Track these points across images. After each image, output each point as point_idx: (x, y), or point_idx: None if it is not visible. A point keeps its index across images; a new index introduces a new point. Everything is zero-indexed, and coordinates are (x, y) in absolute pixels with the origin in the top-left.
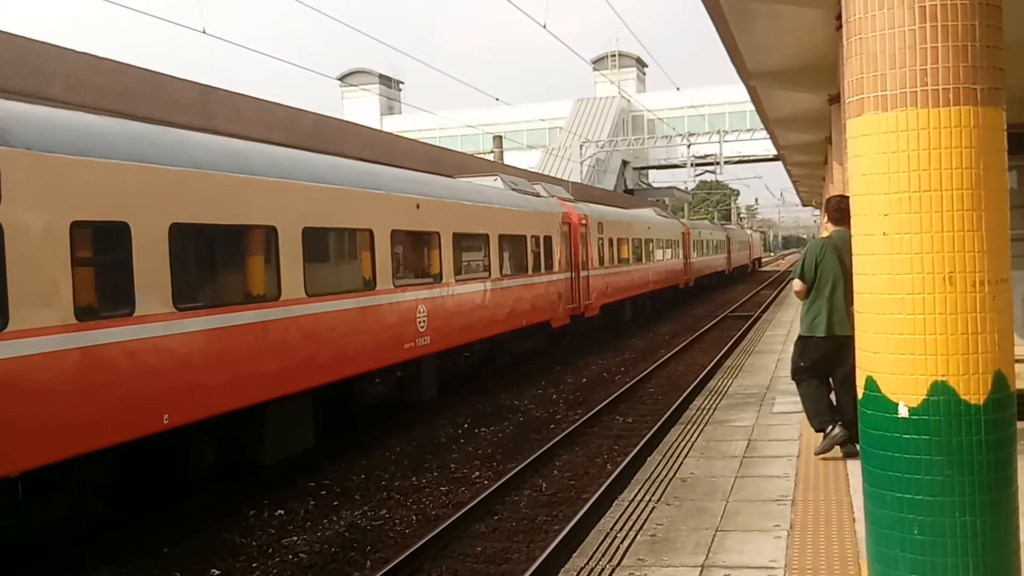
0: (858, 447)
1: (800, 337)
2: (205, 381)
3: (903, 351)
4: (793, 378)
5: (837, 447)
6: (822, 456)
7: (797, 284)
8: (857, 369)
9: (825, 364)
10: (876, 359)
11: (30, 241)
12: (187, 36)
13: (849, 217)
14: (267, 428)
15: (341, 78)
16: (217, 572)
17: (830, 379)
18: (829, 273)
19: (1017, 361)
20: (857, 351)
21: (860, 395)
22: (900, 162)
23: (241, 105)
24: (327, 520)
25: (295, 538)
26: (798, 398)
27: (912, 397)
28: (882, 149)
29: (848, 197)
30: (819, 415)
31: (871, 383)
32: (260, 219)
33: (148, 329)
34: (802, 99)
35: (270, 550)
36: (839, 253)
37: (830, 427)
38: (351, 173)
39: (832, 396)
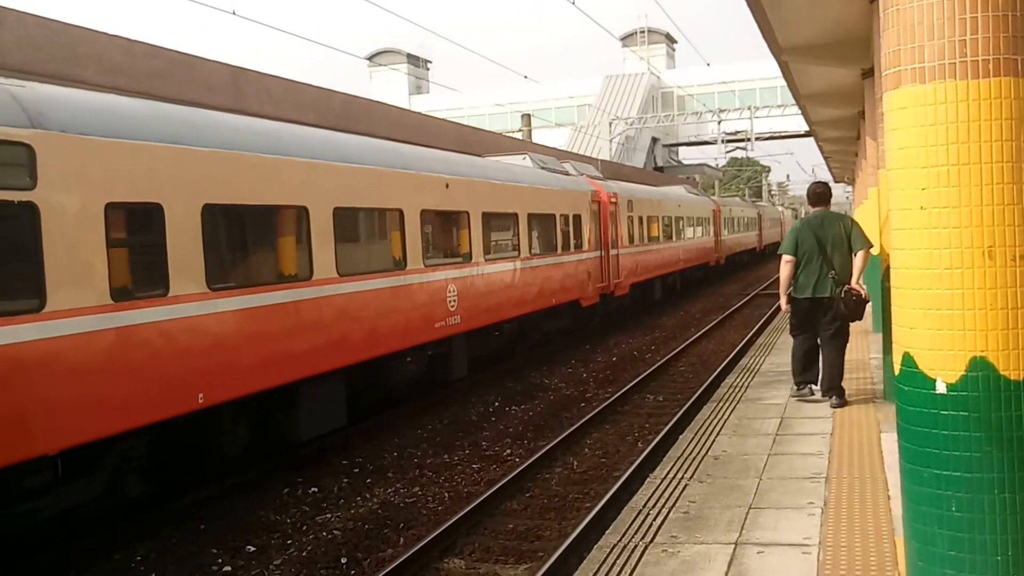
0: (835, 400)
1: (792, 299)
2: (238, 360)
3: (941, 327)
4: (791, 334)
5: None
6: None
7: (784, 260)
8: (894, 345)
9: (810, 321)
10: (913, 335)
11: (66, 223)
12: (217, 17)
13: (826, 200)
14: (300, 407)
15: (369, 58)
16: (252, 548)
17: (818, 339)
18: (806, 248)
19: None
20: (894, 327)
21: (897, 371)
22: (938, 135)
23: (271, 86)
24: (360, 497)
25: (329, 515)
26: (823, 400)
27: (950, 373)
28: (920, 122)
29: (825, 183)
30: (796, 373)
31: (908, 359)
32: (291, 199)
33: (182, 309)
34: (834, 74)
35: (304, 527)
36: (813, 230)
37: (803, 386)
38: (381, 153)
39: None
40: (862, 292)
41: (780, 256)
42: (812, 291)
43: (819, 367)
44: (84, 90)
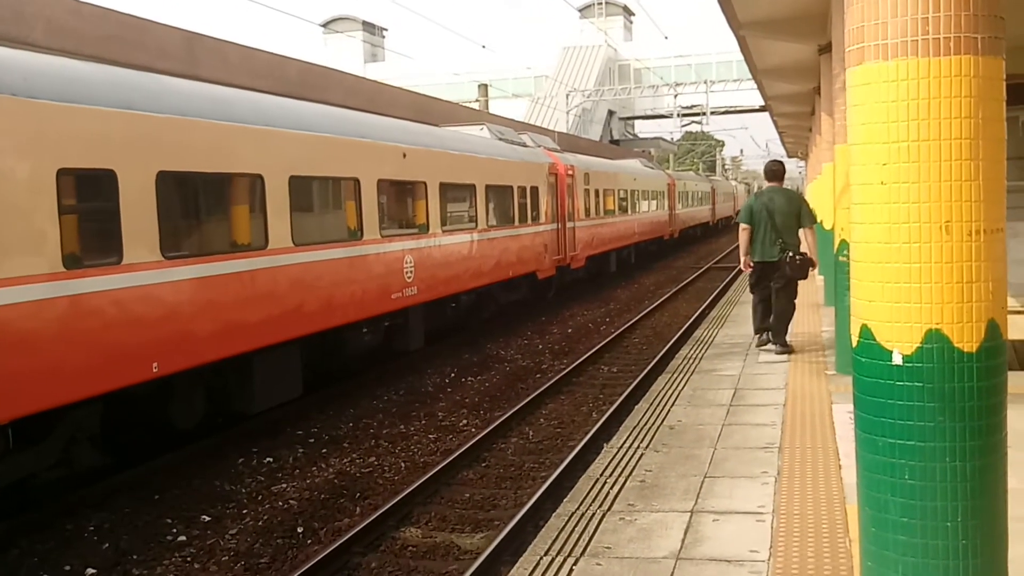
0: (779, 347)
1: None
2: (193, 330)
3: (898, 299)
4: (750, 291)
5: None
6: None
7: (741, 228)
8: (852, 317)
9: (762, 280)
10: (871, 307)
11: (16, 188)
12: None
13: (780, 177)
14: (256, 377)
15: (324, 24)
16: (207, 518)
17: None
18: (759, 219)
19: (1010, 312)
20: (852, 300)
21: (855, 343)
22: (899, 111)
23: (226, 52)
24: (316, 468)
25: (284, 485)
26: (774, 350)
27: (906, 345)
28: (881, 98)
29: (780, 160)
30: (755, 324)
31: (866, 331)
32: (247, 167)
33: (136, 277)
34: (791, 49)
35: (259, 497)
36: (765, 203)
37: (762, 334)
38: (337, 121)
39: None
40: (809, 257)
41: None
42: (762, 255)
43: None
44: (33, 52)
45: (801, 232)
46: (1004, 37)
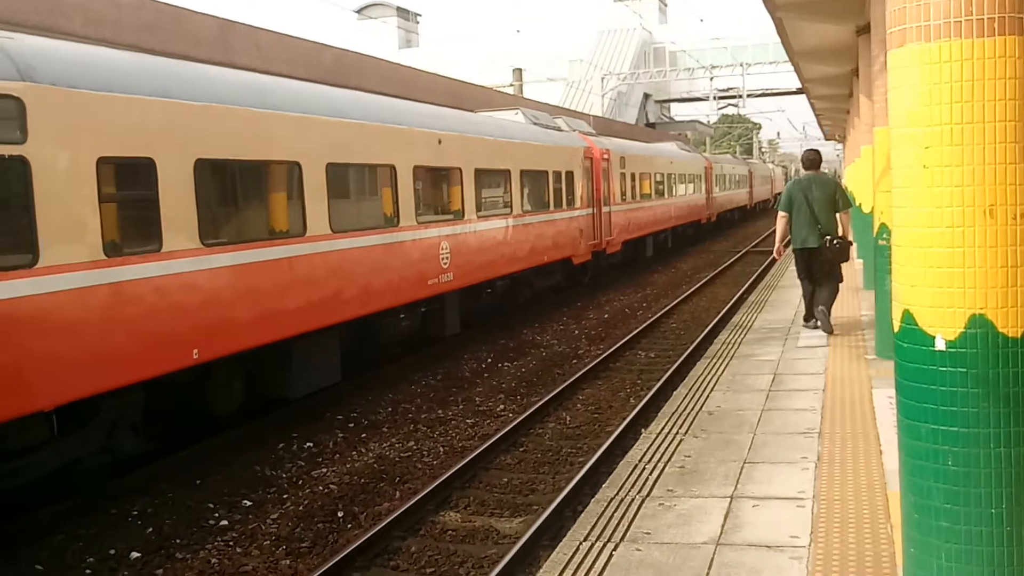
0: (815, 323)
1: (793, 250)
2: (233, 316)
3: (941, 284)
4: (798, 278)
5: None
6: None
7: (780, 215)
8: (894, 302)
9: (805, 267)
10: (913, 292)
11: (57, 177)
12: None
13: (816, 165)
14: (295, 363)
15: (358, 10)
16: (248, 503)
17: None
18: (798, 206)
19: None
20: (894, 285)
21: (897, 328)
22: (942, 93)
23: (261, 39)
24: (356, 452)
25: (324, 470)
26: (823, 332)
27: (949, 330)
28: (924, 80)
29: (816, 149)
30: (806, 309)
31: (908, 316)
32: (284, 155)
33: (175, 265)
34: (828, 30)
35: (300, 481)
36: (803, 191)
37: (810, 319)
38: (373, 108)
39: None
40: (848, 239)
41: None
42: (802, 242)
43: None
44: (71, 42)
45: (838, 216)
46: None
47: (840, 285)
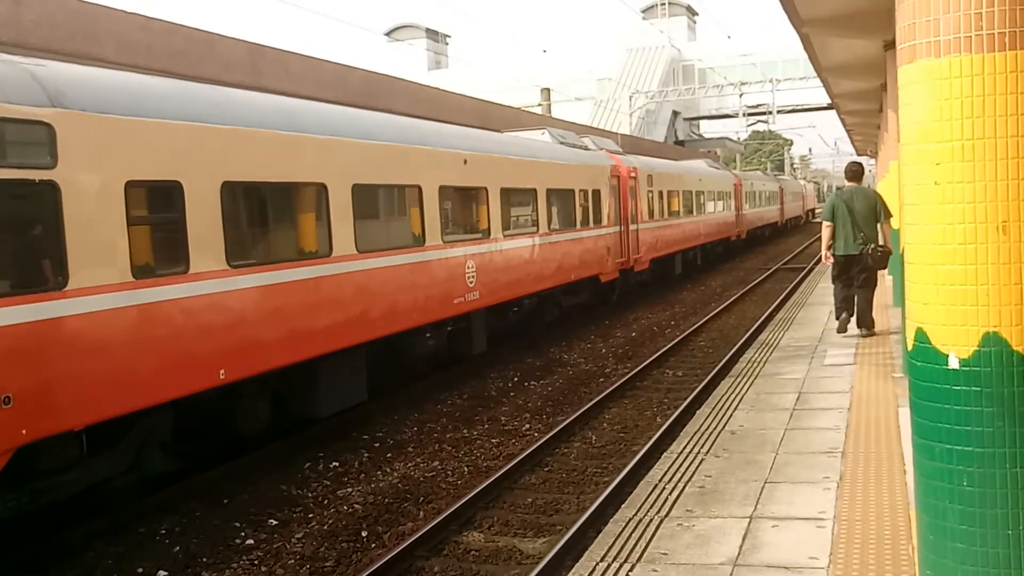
0: (864, 331)
1: (833, 256)
2: (259, 337)
3: (954, 302)
4: (832, 283)
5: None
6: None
7: (824, 225)
8: (907, 320)
9: (844, 271)
10: (926, 310)
11: (87, 201)
12: None
13: (859, 177)
14: (321, 382)
15: (388, 33)
16: (274, 522)
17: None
18: (840, 215)
19: None
20: (907, 302)
21: (910, 347)
22: (953, 109)
23: (289, 62)
24: (381, 472)
25: (350, 489)
26: (850, 350)
27: (963, 348)
28: (935, 96)
29: (859, 162)
30: (838, 308)
31: (921, 335)
32: (310, 176)
33: (203, 286)
34: (856, 45)
35: (325, 501)
36: (845, 201)
37: (843, 315)
38: (399, 129)
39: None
40: (888, 248)
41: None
42: (844, 250)
43: (854, 307)
44: (103, 68)
45: (879, 226)
46: None
47: (875, 291)
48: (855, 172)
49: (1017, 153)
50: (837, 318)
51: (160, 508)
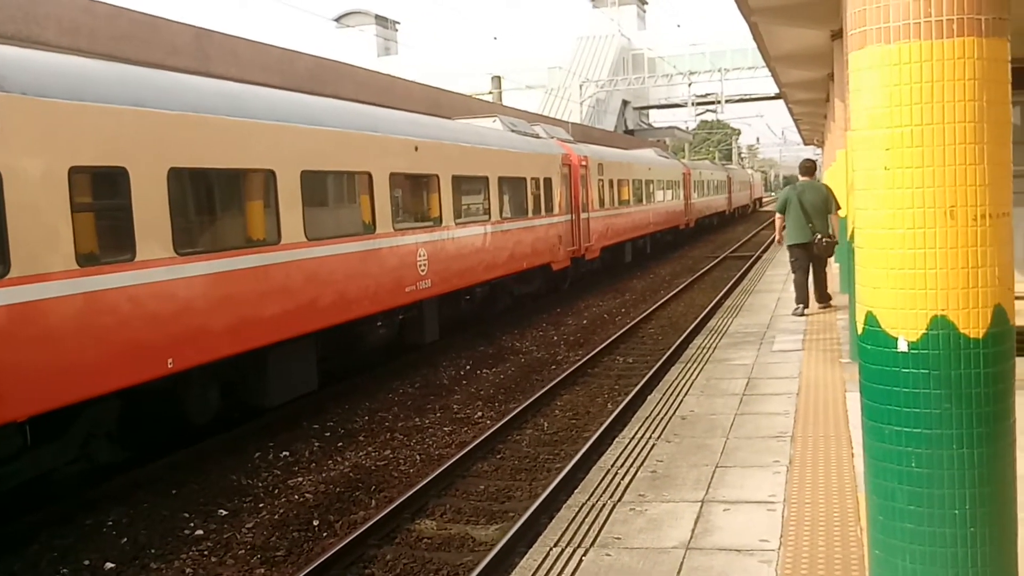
0: (819, 306)
1: (788, 246)
2: (208, 325)
3: (903, 286)
4: (792, 272)
5: (816, 306)
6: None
7: (777, 215)
8: (856, 304)
9: (800, 259)
10: (876, 294)
11: (29, 187)
12: None
13: (811, 173)
14: (271, 371)
15: (337, 19)
16: (224, 512)
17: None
18: (792, 207)
19: (1018, 298)
20: (857, 287)
21: (860, 330)
22: (902, 95)
23: (237, 48)
24: (332, 461)
25: (300, 479)
26: (798, 336)
27: (912, 331)
28: (884, 82)
29: (812, 160)
30: (798, 297)
31: (871, 318)
32: (258, 162)
33: (149, 274)
34: (804, 35)
35: (276, 490)
36: (797, 195)
37: (801, 306)
38: (348, 115)
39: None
40: (834, 238)
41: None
42: (796, 239)
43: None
44: (45, 51)
45: (830, 217)
46: (1008, 18)
47: (827, 272)
48: (808, 168)
49: (965, 139)
50: (796, 303)
51: (107, 499)
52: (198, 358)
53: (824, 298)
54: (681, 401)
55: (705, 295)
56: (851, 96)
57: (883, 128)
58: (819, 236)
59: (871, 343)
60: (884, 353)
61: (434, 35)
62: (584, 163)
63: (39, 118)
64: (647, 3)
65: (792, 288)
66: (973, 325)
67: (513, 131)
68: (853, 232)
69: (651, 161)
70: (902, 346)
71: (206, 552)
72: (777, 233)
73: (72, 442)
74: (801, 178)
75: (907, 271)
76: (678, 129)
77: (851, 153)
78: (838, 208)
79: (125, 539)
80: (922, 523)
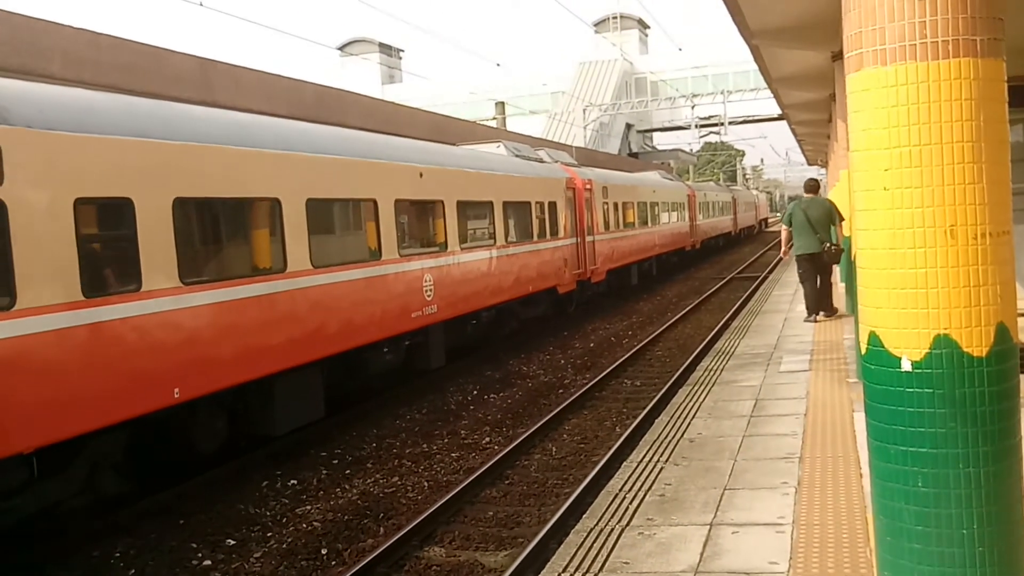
0: (823, 315)
1: (796, 257)
2: (214, 354)
3: (905, 305)
4: (801, 283)
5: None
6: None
7: (783, 228)
8: (860, 324)
9: (807, 270)
10: (878, 314)
11: (35, 219)
12: (185, 9)
13: (815, 190)
14: (277, 400)
15: (341, 47)
16: (232, 542)
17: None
18: (797, 221)
19: (1021, 315)
20: (860, 307)
21: (864, 351)
22: (900, 116)
23: (241, 77)
24: (340, 489)
25: (309, 507)
26: (805, 356)
27: (915, 351)
28: (882, 104)
29: (815, 179)
30: (808, 307)
31: (874, 338)
32: (263, 191)
33: (155, 304)
34: (805, 57)
35: (284, 519)
36: (803, 209)
37: (813, 315)
38: (353, 143)
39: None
40: (840, 247)
41: (781, 227)
42: (804, 249)
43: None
44: (50, 84)
45: (834, 228)
46: (1003, 38)
47: (832, 281)
48: (812, 187)
49: (963, 158)
50: (808, 310)
51: (114, 530)
52: (205, 388)
53: (829, 308)
54: (689, 424)
55: (712, 316)
56: (850, 117)
57: (882, 149)
58: (827, 244)
59: (875, 363)
60: (888, 373)
61: (438, 63)
62: (588, 186)
63: (44, 150)
64: (649, 27)
65: (803, 304)
66: (976, 344)
67: (517, 156)
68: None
69: (656, 183)
70: (906, 366)
71: None
72: (783, 245)
73: (78, 474)
74: (805, 195)
75: (909, 291)
76: (682, 151)
77: (851, 174)
78: (842, 219)
79: (132, 571)
80: (930, 543)
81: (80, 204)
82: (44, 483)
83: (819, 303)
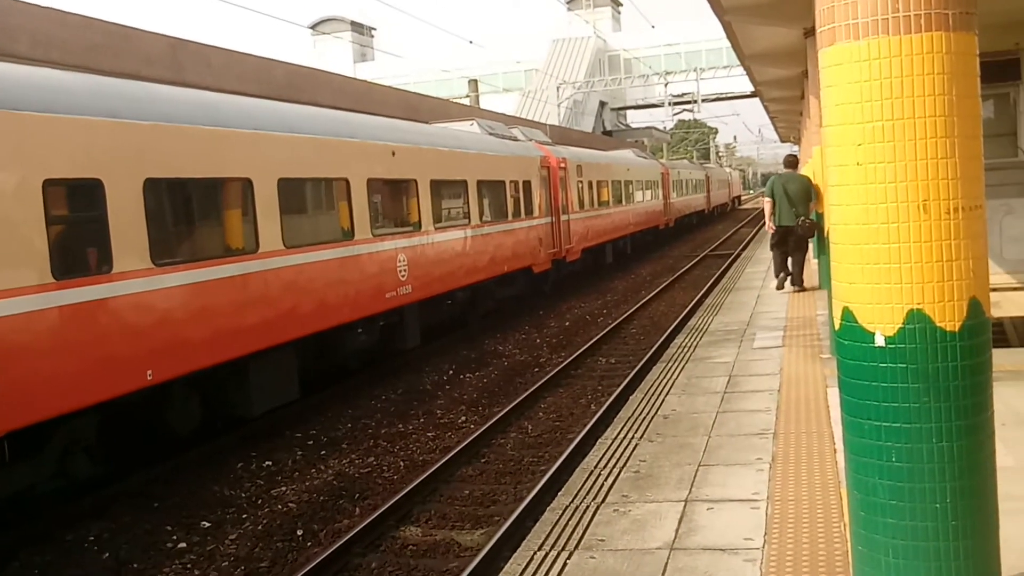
0: (796, 288)
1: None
2: (187, 336)
3: (878, 280)
4: (771, 249)
5: (788, 285)
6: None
7: (766, 200)
8: (833, 300)
9: (782, 240)
10: (852, 289)
11: (3, 201)
12: None
13: (794, 166)
14: (252, 381)
15: (313, 26)
16: (207, 524)
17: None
18: (778, 194)
19: (993, 290)
20: (833, 283)
21: (837, 326)
22: (872, 91)
23: (212, 57)
24: (315, 470)
25: (284, 488)
26: (779, 332)
27: (888, 326)
28: (854, 78)
29: (794, 155)
30: (776, 270)
31: (847, 314)
32: (235, 171)
33: (126, 285)
34: (778, 33)
35: (259, 501)
36: (783, 183)
37: (780, 275)
38: (325, 122)
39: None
40: (816, 222)
41: (764, 199)
42: (782, 221)
43: (788, 268)
44: (17, 64)
45: (812, 204)
46: (976, 12)
47: (807, 255)
48: (791, 162)
49: (936, 133)
50: (776, 277)
51: (87, 514)
52: (178, 369)
53: (799, 282)
54: (663, 400)
55: (686, 294)
56: (822, 92)
57: (854, 124)
58: (802, 218)
59: (848, 338)
60: (861, 348)
61: (411, 41)
62: (563, 165)
63: (11, 131)
64: (622, 4)
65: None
66: (949, 318)
67: (491, 134)
68: (829, 229)
69: (630, 162)
70: (879, 341)
71: (189, 565)
72: (767, 218)
73: (50, 457)
74: (785, 170)
75: (882, 266)
76: (656, 129)
77: (824, 149)
78: (820, 195)
79: (107, 554)
80: (903, 518)
81: (49, 186)
82: (16, 467)
83: (794, 276)
